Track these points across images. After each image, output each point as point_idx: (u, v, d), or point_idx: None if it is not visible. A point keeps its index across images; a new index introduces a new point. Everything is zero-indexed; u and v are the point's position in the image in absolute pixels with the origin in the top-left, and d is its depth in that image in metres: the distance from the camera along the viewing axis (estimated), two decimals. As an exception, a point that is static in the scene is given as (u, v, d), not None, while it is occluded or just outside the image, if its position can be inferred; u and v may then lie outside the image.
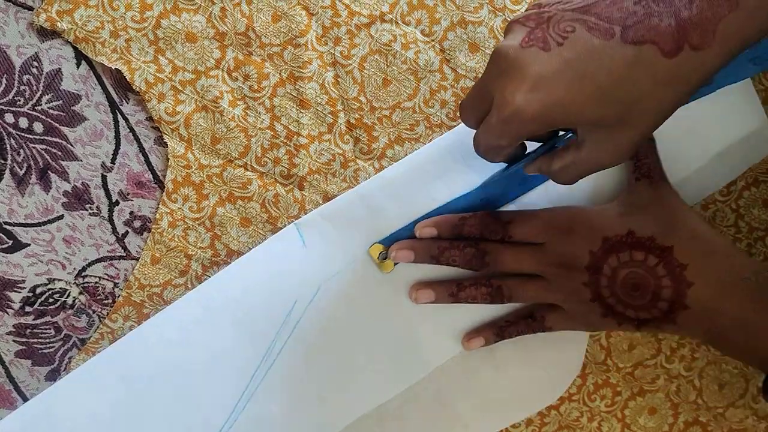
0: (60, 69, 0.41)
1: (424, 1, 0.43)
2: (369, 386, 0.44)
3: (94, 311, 0.43)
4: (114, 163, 0.42)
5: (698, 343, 0.48)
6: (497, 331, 0.43)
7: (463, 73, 0.44)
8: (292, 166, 0.43)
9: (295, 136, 0.43)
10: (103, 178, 0.42)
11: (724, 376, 0.48)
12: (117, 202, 0.43)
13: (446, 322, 0.44)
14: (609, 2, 0.31)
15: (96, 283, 0.43)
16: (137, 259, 0.43)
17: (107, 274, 0.43)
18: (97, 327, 0.43)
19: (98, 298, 0.43)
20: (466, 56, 0.44)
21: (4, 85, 0.41)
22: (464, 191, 0.43)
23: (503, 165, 0.41)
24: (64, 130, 0.42)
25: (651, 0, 0.30)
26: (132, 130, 0.42)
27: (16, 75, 0.41)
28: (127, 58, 0.42)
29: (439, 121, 0.44)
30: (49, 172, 0.42)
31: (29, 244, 0.42)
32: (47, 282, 0.43)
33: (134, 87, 0.42)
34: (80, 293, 0.43)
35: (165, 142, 0.42)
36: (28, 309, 0.43)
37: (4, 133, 0.41)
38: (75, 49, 0.41)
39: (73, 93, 0.42)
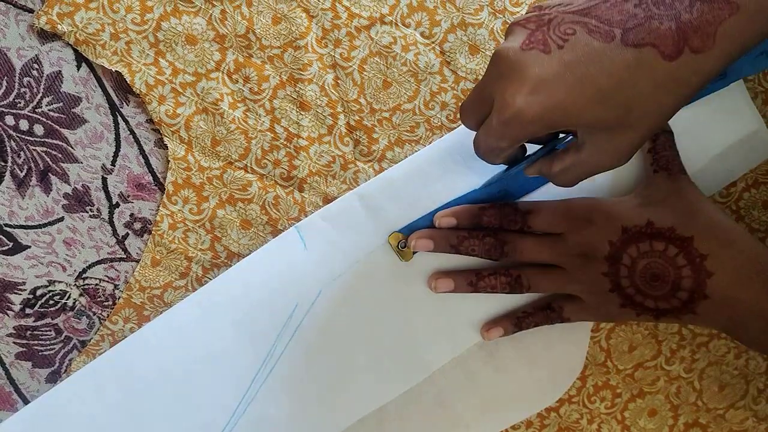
0: (60, 71, 0.41)
1: (424, 3, 0.43)
2: (370, 388, 0.44)
3: (94, 313, 0.43)
4: (114, 165, 0.43)
5: (698, 344, 0.48)
6: (515, 321, 0.43)
7: (464, 75, 0.44)
8: (292, 168, 0.43)
9: (295, 138, 0.43)
10: (104, 180, 0.43)
11: (725, 378, 0.48)
12: (117, 204, 0.43)
13: (447, 323, 0.44)
14: (609, 5, 0.31)
15: (96, 285, 0.43)
16: (137, 261, 0.43)
17: (107, 276, 0.43)
18: (98, 329, 0.43)
19: (98, 300, 0.43)
20: (467, 58, 0.44)
21: (4, 88, 0.41)
22: (464, 193, 0.43)
23: (503, 167, 0.41)
24: (65, 132, 0.42)
25: (651, 3, 0.30)
26: (132, 132, 0.42)
27: (17, 77, 0.41)
28: (128, 61, 0.42)
29: (440, 123, 0.44)
30: (49, 174, 0.42)
31: (29, 246, 0.42)
32: (47, 284, 0.43)
33: (134, 89, 0.42)
34: (80, 295, 0.43)
35: (165, 144, 0.42)
36: (28, 311, 0.43)
37: (5, 136, 0.41)
38: (75, 51, 0.41)
39: (73, 95, 0.42)
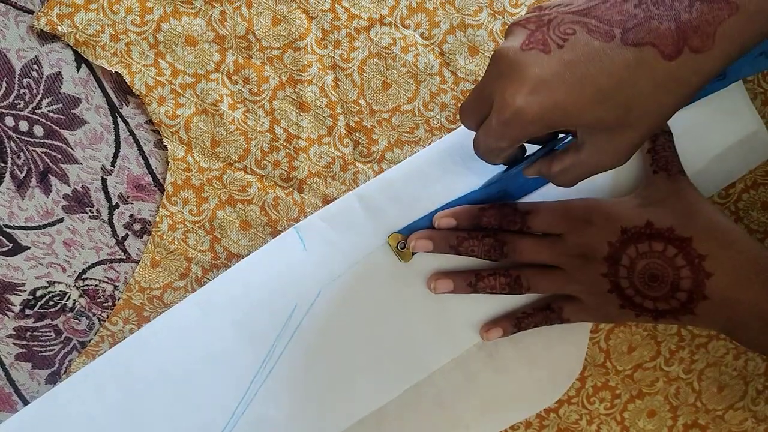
0: (60, 72, 0.41)
1: (424, 5, 0.43)
2: (369, 389, 0.44)
3: (94, 314, 0.43)
4: (114, 166, 0.43)
5: (697, 345, 0.48)
6: (515, 322, 0.43)
7: (463, 76, 0.44)
8: (292, 169, 0.43)
9: (295, 139, 0.43)
10: (103, 181, 0.43)
11: (724, 379, 0.48)
12: (117, 205, 0.43)
13: (446, 324, 0.44)
14: (609, 5, 0.31)
15: (96, 286, 0.43)
16: (137, 262, 0.43)
17: (107, 277, 0.43)
18: (97, 330, 0.43)
19: (98, 301, 0.43)
20: (466, 59, 0.44)
21: (4, 89, 0.41)
22: (464, 193, 0.43)
23: (503, 167, 0.41)
24: (64, 133, 0.42)
25: (651, 3, 0.30)
26: (132, 133, 0.43)
27: (17, 78, 0.41)
28: (128, 62, 0.42)
29: (439, 124, 0.44)
30: (49, 175, 0.42)
31: (29, 247, 0.42)
32: (47, 285, 0.43)
33: (134, 90, 0.42)
34: (80, 296, 0.43)
35: (165, 145, 0.42)
36: (28, 312, 0.43)
37: (5, 137, 0.41)
38: (75, 52, 0.41)
39: (73, 96, 0.42)
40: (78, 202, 0.43)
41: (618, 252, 0.40)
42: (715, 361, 0.48)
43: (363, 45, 0.43)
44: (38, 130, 0.42)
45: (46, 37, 0.41)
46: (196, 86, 0.42)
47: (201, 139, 0.43)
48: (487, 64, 0.44)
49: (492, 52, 0.44)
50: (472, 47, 0.44)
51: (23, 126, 0.41)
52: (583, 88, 0.30)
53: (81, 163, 0.42)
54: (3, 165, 0.42)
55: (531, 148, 0.39)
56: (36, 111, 0.41)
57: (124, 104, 0.42)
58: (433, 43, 0.44)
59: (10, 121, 0.41)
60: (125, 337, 0.43)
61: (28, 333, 0.43)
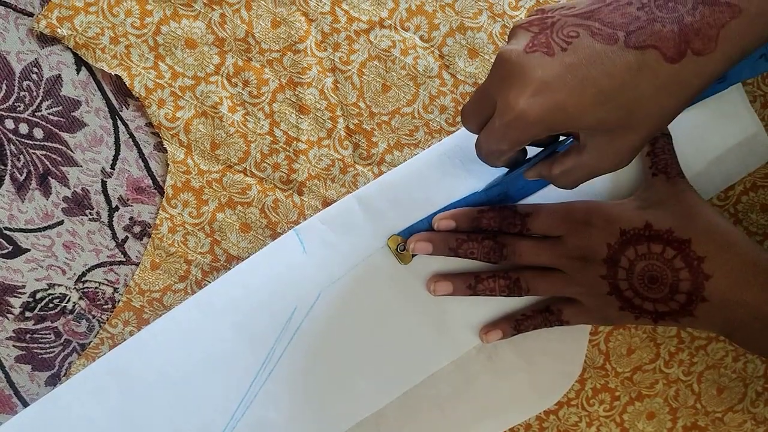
0: (60, 75, 0.42)
1: (423, 7, 0.43)
2: (368, 391, 0.44)
3: (93, 316, 0.43)
4: (114, 169, 0.43)
5: (697, 347, 0.48)
6: (514, 324, 0.43)
7: (463, 78, 0.44)
8: (292, 171, 0.43)
9: (295, 142, 0.43)
10: (103, 183, 0.43)
11: (723, 381, 0.48)
12: (117, 208, 0.43)
13: (445, 326, 0.44)
14: (612, 8, 0.31)
15: (96, 288, 0.43)
16: (137, 265, 0.43)
17: (107, 280, 0.43)
18: (97, 332, 0.43)
19: (98, 303, 0.43)
20: (465, 62, 0.44)
21: (4, 91, 0.41)
22: (463, 196, 0.43)
23: (504, 170, 0.42)
24: (64, 135, 0.42)
25: (654, 6, 0.30)
26: (132, 135, 0.43)
27: (16, 81, 0.41)
28: (127, 64, 0.42)
29: (439, 127, 0.44)
30: (49, 177, 0.42)
31: (29, 250, 0.43)
32: (47, 287, 0.43)
33: (134, 93, 0.42)
34: (80, 298, 0.43)
35: (164, 147, 0.42)
36: (28, 314, 0.43)
37: (4, 139, 0.41)
38: (75, 55, 0.42)
39: (73, 99, 0.42)
40: (78, 204, 0.43)
41: (617, 254, 0.40)
42: (714, 363, 0.48)
43: (362, 48, 0.43)
44: (38, 133, 0.42)
45: (46, 39, 0.41)
46: (195, 89, 0.42)
47: (201, 141, 0.43)
48: (486, 66, 0.44)
49: (492, 55, 0.44)
50: (471, 50, 0.44)
51: (23, 128, 0.41)
52: (586, 91, 0.30)
53: (81, 166, 0.42)
54: (3, 167, 0.42)
55: (532, 151, 0.39)
56: (36, 113, 0.41)
57: (123, 107, 0.42)
58: (432, 46, 0.44)
59: (10, 124, 0.41)
60: (125, 340, 0.43)
61: (28, 335, 0.43)
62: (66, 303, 0.43)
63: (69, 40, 0.41)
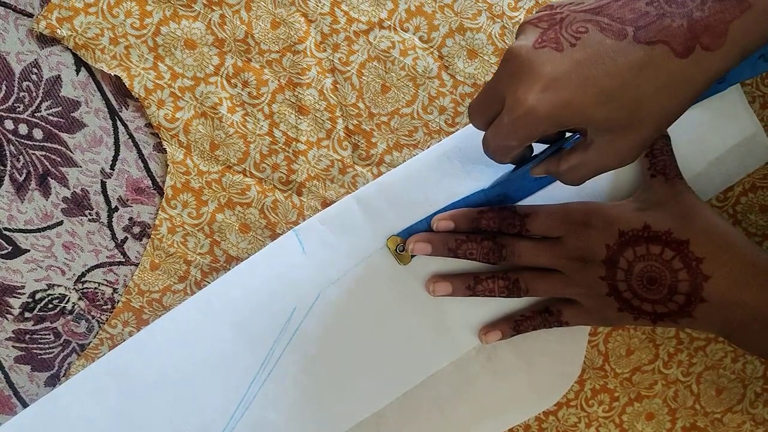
0: (59, 76, 0.42)
1: (423, 8, 0.43)
2: (368, 392, 0.44)
3: (93, 317, 0.43)
4: (113, 170, 0.43)
5: (696, 348, 0.48)
6: (513, 325, 0.43)
7: (462, 79, 0.44)
8: (291, 172, 0.44)
9: (294, 142, 0.43)
10: (103, 184, 0.43)
11: (722, 382, 0.48)
12: (116, 208, 0.43)
13: (445, 326, 0.44)
14: (621, 3, 0.31)
15: (95, 288, 0.43)
16: (136, 265, 0.43)
17: (106, 280, 0.43)
18: (97, 332, 0.43)
19: (97, 303, 0.43)
20: (465, 62, 0.44)
21: (3, 92, 0.41)
22: (462, 196, 0.43)
23: (510, 167, 0.41)
24: (64, 136, 0.42)
25: (663, 1, 0.30)
26: (131, 136, 0.43)
27: (16, 81, 0.41)
28: (127, 65, 0.42)
29: (438, 128, 0.44)
30: (48, 178, 0.42)
31: (29, 250, 0.43)
32: (47, 288, 0.43)
33: (133, 93, 0.42)
34: (79, 299, 0.43)
35: (164, 148, 0.42)
36: (27, 315, 0.43)
37: (4, 140, 0.41)
38: (75, 55, 0.42)
39: (72, 99, 0.42)
40: (77, 205, 0.43)
41: (616, 255, 0.40)
42: (713, 364, 0.48)
43: (362, 48, 0.43)
44: (38, 133, 0.42)
45: (46, 40, 0.41)
46: (195, 89, 0.42)
47: (200, 142, 0.43)
48: (486, 66, 0.44)
49: (491, 56, 0.44)
50: (470, 50, 0.44)
51: (23, 129, 0.41)
52: (592, 87, 0.30)
53: (80, 166, 0.42)
54: (2, 168, 0.42)
55: (538, 149, 0.39)
56: (35, 114, 0.41)
57: (123, 107, 0.42)
58: (431, 47, 0.44)
59: (9, 124, 0.41)
60: (124, 340, 0.43)
61: (28, 336, 0.43)
62: (65, 303, 0.43)
63: (69, 40, 0.41)
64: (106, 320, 0.43)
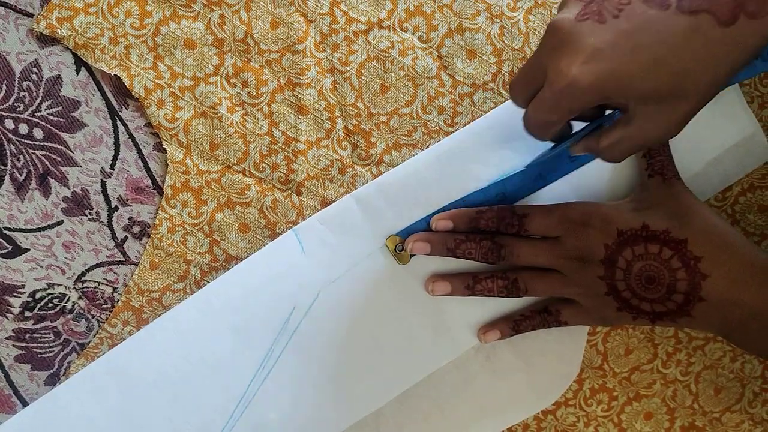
0: (60, 75, 0.42)
1: (422, 8, 0.43)
2: (367, 391, 0.44)
3: (93, 316, 0.44)
4: (113, 169, 0.43)
5: (694, 347, 0.48)
6: (512, 324, 0.43)
7: (461, 79, 0.44)
8: (290, 171, 0.44)
9: (293, 142, 0.43)
10: (103, 183, 0.43)
11: (721, 381, 0.48)
12: (116, 208, 0.43)
13: (444, 326, 0.44)
14: None
15: (95, 288, 0.43)
16: (136, 265, 0.43)
17: (106, 279, 0.43)
18: (97, 332, 0.44)
19: (97, 302, 0.44)
20: (464, 62, 0.44)
21: (4, 92, 0.41)
22: (461, 196, 0.43)
23: (547, 148, 0.41)
24: (64, 136, 0.42)
25: None
26: (131, 136, 0.43)
27: (16, 81, 0.41)
28: (127, 65, 0.42)
29: (437, 127, 0.44)
30: (48, 177, 0.42)
31: (29, 250, 0.43)
32: (47, 287, 0.43)
33: (133, 93, 0.42)
34: (79, 298, 0.43)
35: (164, 147, 0.43)
36: (27, 314, 0.43)
37: (4, 139, 0.41)
38: (75, 55, 0.42)
39: (72, 99, 0.42)
40: (77, 204, 0.43)
41: (614, 254, 0.40)
42: (712, 364, 0.48)
43: (361, 48, 0.43)
44: (38, 133, 0.42)
45: (46, 40, 0.41)
46: (195, 89, 0.42)
47: (200, 141, 0.43)
48: (485, 67, 0.44)
49: (489, 56, 0.44)
50: (469, 50, 0.44)
51: (23, 129, 0.42)
52: (638, 57, 0.30)
53: (80, 166, 0.42)
54: (3, 167, 0.42)
55: (575, 129, 0.38)
56: (36, 114, 0.42)
57: (123, 107, 0.42)
58: (431, 47, 0.44)
59: (9, 124, 0.41)
60: (124, 339, 0.43)
61: (28, 335, 0.43)
62: (65, 303, 0.43)
63: (69, 40, 0.41)
64: (106, 319, 0.43)
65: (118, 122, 0.42)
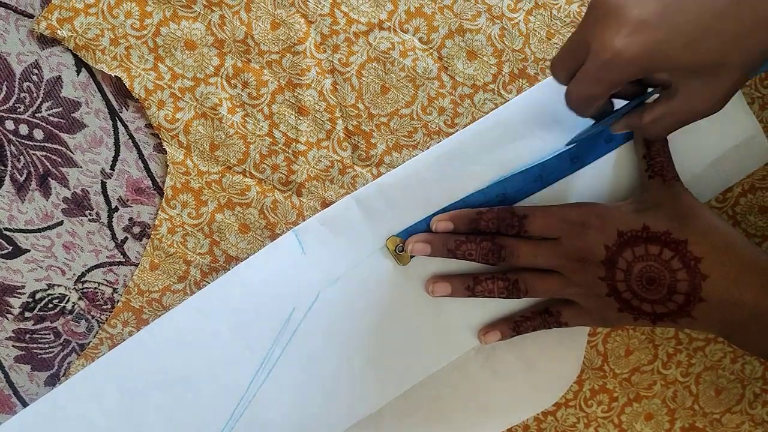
0: (60, 76, 0.42)
1: (422, 9, 0.43)
2: (367, 392, 0.44)
3: (93, 316, 0.44)
4: (113, 170, 0.43)
5: (695, 349, 0.48)
6: (513, 325, 0.43)
7: (461, 80, 0.44)
8: (291, 172, 0.44)
9: (294, 143, 0.43)
10: (103, 184, 0.43)
11: (721, 382, 0.48)
12: (116, 209, 0.43)
13: (444, 327, 0.44)
14: None
15: (95, 288, 0.43)
16: (136, 265, 0.43)
17: (106, 280, 0.43)
18: (96, 332, 0.44)
19: (97, 303, 0.44)
20: (464, 64, 0.44)
21: (4, 93, 0.41)
22: (461, 197, 0.43)
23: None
24: (64, 136, 0.42)
25: None
26: (131, 136, 0.43)
27: (17, 82, 0.41)
28: (127, 66, 0.42)
29: (437, 128, 0.44)
30: (49, 178, 0.42)
31: (29, 250, 0.43)
32: (47, 287, 0.43)
33: (134, 94, 0.42)
34: (79, 299, 0.43)
35: (164, 148, 0.43)
36: (27, 314, 0.43)
37: (5, 140, 0.41)
38: (75, 56, 0.42)
39: (73, 100, 0.42)
40: (77, 205, 0.43)
41: (615, 255, 0.40)
42: (712, 365, 0.48)
43: (362, 49, 0.43)
44: (38, 134, 0.42)
45: (47, 41, 0.41)
46: (195, 90, 0.42)
47: (200, 142, 0.43)
48: (485, 68, 0.44)
49: (490, 57, 0.44)
50: (470, 52, 0.44)
51: (23, 129, 0.42)
52: (683, 28, 0.30)
53: (81, 167, 0.42)
54: (3, 168, 0.42)
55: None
56: (36, 115, 0.42)
57: (123, 108, 0.42)
58: (431, 48, 0.44)
59: (10, 125, 0.41)
60: (124, 340, 0.43)
61: (28, 335, 0.43)
62: (65, 303, 0.43)
63: (69, 41, 0.41)
64: (106, 320, 0.43)
65: (119, 123, 0.42)
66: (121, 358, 0.43)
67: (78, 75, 0.42)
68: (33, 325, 0.43)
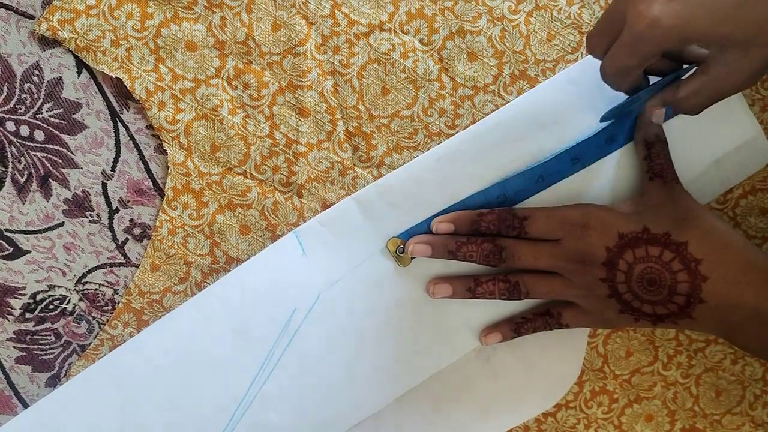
0: (61, 77, 0.42)
1: (423, 11, 0.43)
2: (367, 393, 0.44)
3: (93, 318, 0.44)
4: (114, 171, 0.43)
5: (695, 350, 0.48)
6: (514, 327, 0.43)
7: (462, 81, 0.44)
8: (291, 173, 0.44)
9: (294, 144, 0.44)
10: (104, 185, 0.43)
11: (721, 383, 0.48)
12: (117, 210, 0.43)
13: (445, 328, 0.44)
14: None
15: (96, 289, 0.43)
16: (137, 266, 0.43)
17: (107, 281, 0.43)
18: (97, 333, 0.44)
19: (98, 304, 0.44)
20: (465, 65, 0.44)
21: (5, 94, 0.41)
22: (462, 198, 0.43)
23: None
24: (65, 138, 0.42)
25: None
26: (132, 138, 0.43)
27: (18, 83, 0.41)
28: (128, 67, 0.42)
29: (438, 130, 0.44)
30: (49, 179, 0.42)
31: (30, 251, 0.43)
32: (47, 289, 0.43)
33: (135, 95, 0.42)
34: (80, 300, 0.43)
35: (165, 150, 0.43)
36: (28, 315, 0.43)
37: (5, 141, 0.42)
38: (76, 57, 0.42)
39: (73, 101, 0.42)
40: (78, 206, 0.43)
41: (615, 257, 0.40)
42: (712, 366, 0.48)
43: (362, 51, 0.43)
44: (39, 135, 0.42)
45: (47, 42, 0.41)
46: (196, 91, 0.43)
47: (201, 144, 0.43)
48: (486, 69, 0.44)
49: (491, 58, 0.44)
50: (470, 53, 0.44)
51: (24, 131, 0.42)
52: (718, 0, 0.30)
53: (81, 168, 0.42)
54: (4, 169, 0.42)
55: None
56: (37, 116, 0.42)
57: (124, 109, 0.43)
58: (432, 49, 0.44)
59: (11, 126, 0.41)
60: (125, 341, 0.43)
61: (28, 336, 0.43)
62: (66, 304, 0.43)
63: (70, 42, 0.41)
64: (107, 321, 0.43)
65: (119, 124, 0.43)
66: (122, 360, 0.43)
67: (79, 76, 0.42)
68: (34, 326, 0.43)
